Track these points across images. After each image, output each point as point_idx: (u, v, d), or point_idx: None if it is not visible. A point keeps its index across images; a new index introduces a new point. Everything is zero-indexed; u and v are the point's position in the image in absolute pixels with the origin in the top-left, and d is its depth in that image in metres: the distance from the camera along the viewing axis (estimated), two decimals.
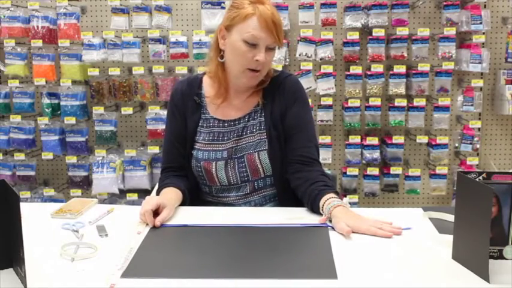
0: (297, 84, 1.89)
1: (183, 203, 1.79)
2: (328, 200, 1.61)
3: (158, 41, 3.39)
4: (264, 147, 1.82)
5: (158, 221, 1.57)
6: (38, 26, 3.39)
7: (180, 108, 1.90)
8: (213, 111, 1.88)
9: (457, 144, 3.54)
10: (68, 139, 3.49)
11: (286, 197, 1.84)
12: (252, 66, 1.75)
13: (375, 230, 1.48)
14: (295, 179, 1.80)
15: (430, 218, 1.64)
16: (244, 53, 1.73)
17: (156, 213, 1.60)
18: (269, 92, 1.86)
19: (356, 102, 3.41)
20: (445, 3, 3.36)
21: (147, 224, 1.58)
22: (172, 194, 1.76)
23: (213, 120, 1.87)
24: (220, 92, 1.85)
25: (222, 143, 1.85)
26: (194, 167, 1.86)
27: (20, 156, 3.52)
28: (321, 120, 3.45)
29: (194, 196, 1.91)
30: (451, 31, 3.35)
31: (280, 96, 1.85)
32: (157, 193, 1.83)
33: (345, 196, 3.45)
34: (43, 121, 3.46)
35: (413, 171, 3.52)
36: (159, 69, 3.39)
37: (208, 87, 1.90)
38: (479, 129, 3.51)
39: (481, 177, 1.32)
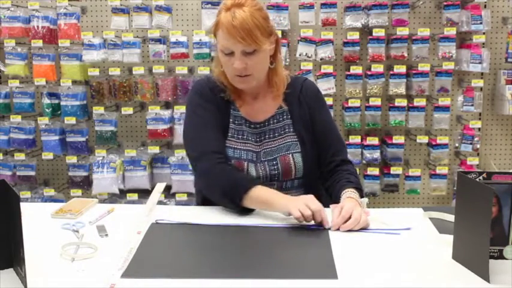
0: (317, 88, 1.97)
1: None
2: (346, 193, 1.70)
3: (158, 41, 3.39)
4: (297, 149, 1.84)
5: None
6: (38, 26, 3.39)
7: (211, 101, 1.85)
8: (241, 109, 1.87)
9: (457, 144, 3.54)
10: (68, 139, 3.49)
11: None
12: (236, 73, 1.75)
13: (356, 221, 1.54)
14: (328, 180, 1.86)
15: (430, 218, 1.64)
16: (226, 62, 1.75)
17: None
18: (292, 95, 1.88)
19: (356, 102, 3.41)
20: (445, 3, 3.36)
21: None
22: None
23: (240, 119, 1.87)
24: (233, 95, 1.86)
25: (250, 143, 1.84)
26: None
27: (20, 156, 3.52)
28: None
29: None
30: (451, 31, 3.35)
31: (304, 99, 1.89)
32: (246, 187, 1.67)
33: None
34: (43, 121, 3.46)
35: (414, 171, 3.52)
36: (159, 69, 3.39)
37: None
38: (479, 129, 3.51)
39: (481, 177, 1.32)
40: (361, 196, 1.72)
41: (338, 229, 1.54)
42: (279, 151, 1.83)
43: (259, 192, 1.66)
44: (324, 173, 1.88)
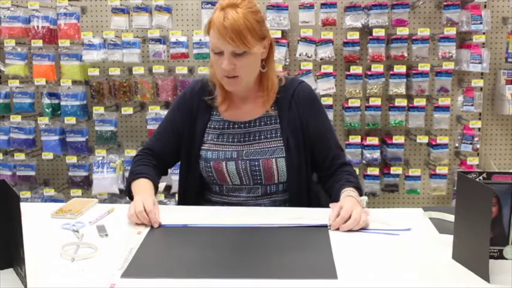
0: (312, 92, 1.92)
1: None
2: (345, 192, 1.70)
3: (158, 41, 3.39)
4: (281, 154, 1.82)
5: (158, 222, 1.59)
6: (38, 26, 3.39)
7: (190, 106, 1.90)
8: (223, 112, 1.89)
9: (457, 144, 3.54)
10: (68, 139, 3.49)
11: (298, 204, 1.84)
12: (224, 74, 1.75)
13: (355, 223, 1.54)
14: (327, 182, 1.86)
15: (430, 218, 1.64)
16: (215, 62, 1.76)
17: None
18: (283, 99, 1.86)
19: (356, 102, 3.41)
20: (445, 3, 3.36)
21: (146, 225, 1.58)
22: (151, 188, 1.79)
23: (223, 122, 1.87)
24: (222, 97, 1.87)
25: (231, 144, 1.85)
26: (203, 167, 1.86)
27: (20, 156, 3.52)
28: None
29: (200, 196, 1.92)
30: (451, 31, 3.35)
31: (296, 104, 1.86)
32: (132, 178, 1.82)
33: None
34: (43, 121, 3.46)
35: (414, 171, 3.52)
36: (159, 69, 3.39)
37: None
38: (479, 129, 3.51)
39: (481, 177, 1.32)
40: (361, 195, 1.72)
41: (338, 229, 1.54)
42: (262, 154, 1.83)
43: (135, 184, 1.79)
44: (324, 176, 1.88)
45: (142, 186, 1.77)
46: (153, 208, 1.60)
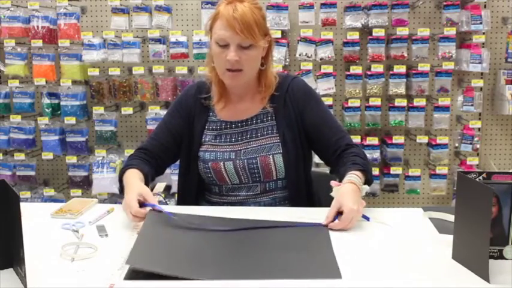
0: (305, 85, 1.93)
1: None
2: (347, 176, 1.67)
3: (158, 41, 3.39)
4: (278, 150, 1.83)
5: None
6: (38, 26, 3.39)
7: (187, 110, 1.91)
8: (219, 113, 1.90)
9: (457, 144, 3.54)
10: (68, 139, 3.49)
11: (298, 200, 1.85)
12: (227, 66, 1.76)
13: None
14: (336, 168, 1.83)
15: (430, 218, 1.64)
16: (219, 55, 1.76)
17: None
18: (278, 96, 1.87)
19: (356, 102, 3.41)
20: (445, 3, 3.36)
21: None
22: (137, 176, 1.76)
23: (219, 123, 1.88)
24: (219, 95, 1.87)
25: (229, 144, 1.86)
26: (202, 169, 1.87)
27: (20, 156, 3.52)
28: None
29: (200, 197, 1.93)
30: (451, 31, 3.35)
31: (291, 99, 1.87)
32: (122, 173, 1.81)
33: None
34: (43, 121, 3.46)
35: (414, 171, 3.52)
36: (159, 69, 3.39)
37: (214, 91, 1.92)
38: (479, 129, 3.51)
39: (481, 177, 1.32)
40: (367, 179, 1.71)
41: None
42: (259, 151, 1.84)
43: (126, 175, 1.77)
44: (332, 162, 1.86)
45: (128, 179, 1.74)
46: (137, 210, 1.58)
